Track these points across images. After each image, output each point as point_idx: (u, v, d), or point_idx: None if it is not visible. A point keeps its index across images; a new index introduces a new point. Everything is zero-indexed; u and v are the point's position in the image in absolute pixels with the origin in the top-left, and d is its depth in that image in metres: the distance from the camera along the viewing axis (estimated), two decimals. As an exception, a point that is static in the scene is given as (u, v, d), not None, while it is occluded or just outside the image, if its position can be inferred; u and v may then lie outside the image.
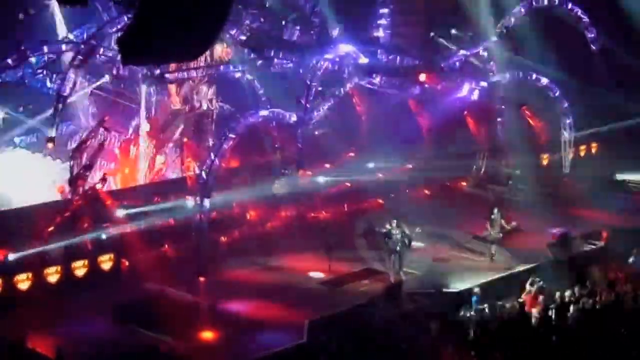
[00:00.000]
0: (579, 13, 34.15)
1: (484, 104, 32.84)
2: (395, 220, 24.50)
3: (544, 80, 33.09)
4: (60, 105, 26.37)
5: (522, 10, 33.16)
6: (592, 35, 34.43)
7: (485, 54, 32.62)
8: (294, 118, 28.92)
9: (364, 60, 29.12)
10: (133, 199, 27.26)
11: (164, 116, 29.92)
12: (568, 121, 33.79)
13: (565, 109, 33.47)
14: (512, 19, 33.04)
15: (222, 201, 26.66)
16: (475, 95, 31.70)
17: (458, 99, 31.50)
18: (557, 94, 33.17)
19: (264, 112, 28.38)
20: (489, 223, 25.86)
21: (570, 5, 34.00)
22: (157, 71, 28.23)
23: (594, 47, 34.39)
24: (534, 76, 33.03)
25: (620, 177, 33.36)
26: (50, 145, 26.90)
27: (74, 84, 26.49)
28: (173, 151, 30.75)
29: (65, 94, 26.45)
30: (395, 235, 24.12)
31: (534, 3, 33.30)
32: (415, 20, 34.27)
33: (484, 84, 32.00)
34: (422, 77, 29.64)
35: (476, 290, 22.01)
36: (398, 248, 24.09)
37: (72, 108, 29.03)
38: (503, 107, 33.46)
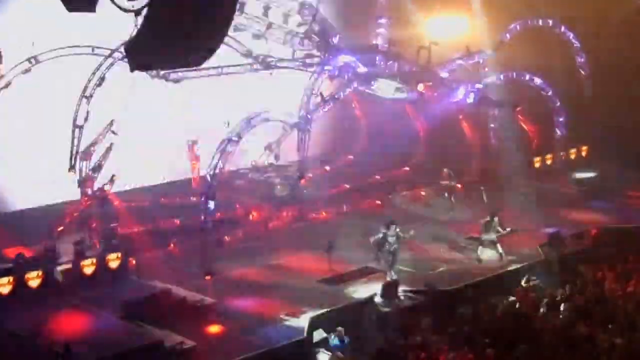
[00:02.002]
0: (571, 37, 35.00)
1: (479, 108, 33.41)
2: (389, 222, 24.94)
3: (537, 80, 33.76)
4: (76, 136, 26.94)
5: (518, 27, 34.03)
6: (582, 59, 35.31)
7: (481, 60, 33.32)
8: (294, 119, 29.50)
9: (363, 69, 29.68)
10: (140, 199, 27.94)
11: None
12: (561, 119, 34.43)
13: (558, 108, 34.12)
14: (508, 35, 33.91)
15: (226, 202, 27.17)
16: (470, 99, 32.28)
17: (454, 103, 32.06)
18: (549, 93, 33.86)
19: (265, 114, 28.94)
20: (484, 227, 26.11)
21: (563, 29, 34.84)
22: (162, 72, 28.67)
23: (583, 72, 35.30)
24: (527, 76, 33.74)
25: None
26: (71, 173, 27.22)
27: (87, 113, 27.03)
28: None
29: (80, 125, 27.02)
30: (390, 236, 24.53)
31: (529, 22, 34.19)
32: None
33: (479, 85, 32.57)
34: (421, 87, 30.12)
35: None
36: (392, 249, 24.53)
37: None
38: (496, 112, 34.11)
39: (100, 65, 27.31)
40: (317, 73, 29.63)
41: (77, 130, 27.09)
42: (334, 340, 20.48)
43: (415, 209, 30.98)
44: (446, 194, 31.55)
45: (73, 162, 27.03)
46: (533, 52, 34.05)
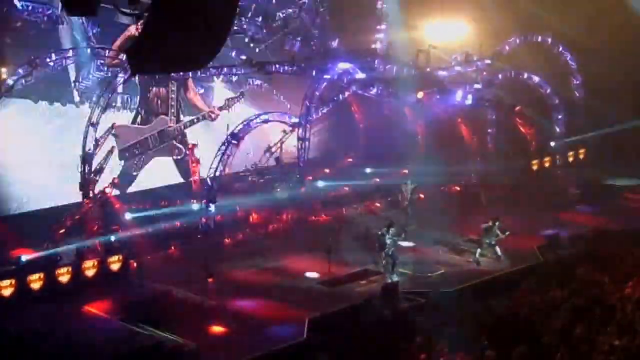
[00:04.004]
0: (568, 58, 35.15)
1: (477, 111, 33.53)
2: (389, 224, 25.16)
3: (535, 78, 33.91)
4: (87, 166, 26.60)
5: (517, 41, 34.20)
6: (578, 82, 35.45)
7: (480, 67, 33.46)
8: (294, 120, 29.62)
9: (361, 75, 29.77)
10: (141, 202, 28.00)
11: None
12: (559, 117, 34.54)
13: (556, 106, 34.23)
14: (507, 47, 34.07)
15: (226, 205, 27.27)
16: (469, 100, 32.38)
17: (452, 106, 32.15)
18: (548, 91, 34.00)
19: (264, 116, 29.06)
20: (485, 231, 26.32)
21: (560, 48, 34.99)
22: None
23: (577, 94, 35.41)
24: (525, 75, 33.88)
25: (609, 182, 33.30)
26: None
27: (97, 141, 26.93)
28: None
29: (90, 152, 26.72)
30: (388, 238, 24.73)
31: (528, 38, 34.39)
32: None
33: (477, 86, 32.70)
34: (420, 94, 30.26)
35: None
36: (391, 251, 24.72)
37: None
38: (494, 117, 34.23)
39: (103, 92, 27.21)
40: (316, 80, 29.74)
41: (86, 157, 26.75)
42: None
43: (368, 221, 30.30)
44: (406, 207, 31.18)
45: (84, 189, 26.70)
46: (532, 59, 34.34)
